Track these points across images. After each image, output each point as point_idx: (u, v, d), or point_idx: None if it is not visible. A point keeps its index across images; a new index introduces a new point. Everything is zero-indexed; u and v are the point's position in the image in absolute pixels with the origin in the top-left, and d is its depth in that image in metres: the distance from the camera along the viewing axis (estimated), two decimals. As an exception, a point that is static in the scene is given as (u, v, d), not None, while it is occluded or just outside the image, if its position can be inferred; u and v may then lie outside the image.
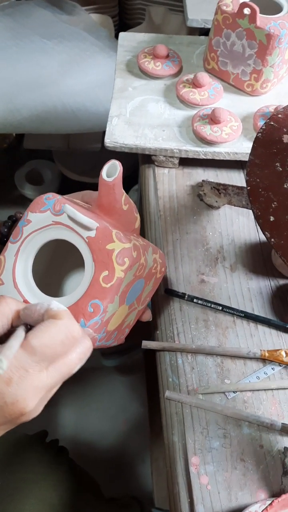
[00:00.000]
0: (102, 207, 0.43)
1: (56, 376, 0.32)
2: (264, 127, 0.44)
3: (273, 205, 0.38)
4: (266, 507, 0.39)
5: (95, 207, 0.44)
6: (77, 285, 0.40)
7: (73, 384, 1.21)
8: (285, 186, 0.39)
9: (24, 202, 1.51)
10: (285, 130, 0.43)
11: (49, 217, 0.42)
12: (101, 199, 0.42)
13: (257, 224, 0.64)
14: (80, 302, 0.38)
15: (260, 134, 0.43)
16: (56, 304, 0.34)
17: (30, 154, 1.56)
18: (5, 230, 0.53)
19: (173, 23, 1.28)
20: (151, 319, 0.51)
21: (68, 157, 1.44)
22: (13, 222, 0.55)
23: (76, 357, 0.33)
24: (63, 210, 0.40)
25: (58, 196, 0.42)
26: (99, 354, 1.16)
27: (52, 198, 0.42)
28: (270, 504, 0.39)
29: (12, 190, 1.53)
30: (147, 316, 0.50)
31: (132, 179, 1.19)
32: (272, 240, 0.37)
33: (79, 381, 1.21)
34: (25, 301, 0.40)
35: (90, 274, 0.39)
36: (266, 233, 0.37)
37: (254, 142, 0.43)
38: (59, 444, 0.67)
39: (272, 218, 0.38)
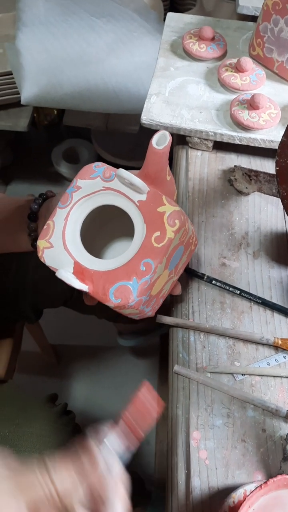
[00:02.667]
0: (148, 176, 0.44)
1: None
2: (301, 111, 0.43)
3: (300, 187, 0.38)
4: (261, 484, 0.39)
5: (141, 176, 0.45)
6: (112, 256, 0.41)
7: (88, 360, 1.24)
8: (315, 170, 0.39)
9: (58, 179, 1.54)
10: None
11: (99, 183, 0.44)
12: (148, 168, 0.43)
13: (285, 213, 0.63)
14: (133, 261, 0.40)
15: (296, 117, 0.43)
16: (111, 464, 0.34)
17: (69, 133, 1.59)
18: (35, 207, 0.54)
19: (224, 11, 1.26)
20: (180, 293, 0.52)
21: (106, 138, 1.46)
22: (43, 200, 0.56)
23: None
24: (115, 175, 0.42)
25: (106, 165, 0.44)
26: (116, 333, 1.18)
27: (101, 166, 0.45)
28: (265, 482, 0.39)
29: (48, 167, 1.56)
30: (178, 290, 0.51)
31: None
32: (296, 221, 0.37)
33: (94, 358, 1.24)
34: (76, 263, 0.42)
35: (141, 236, 0.41)
36: (290, 213, 0.37)
37: (288, 124, 0.43)
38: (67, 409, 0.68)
39: (298, 200, 0.38)
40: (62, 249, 0.42)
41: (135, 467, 1.04)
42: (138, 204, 0.42)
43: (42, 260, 0.43)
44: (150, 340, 1.14)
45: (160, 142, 0.41)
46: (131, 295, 0.40)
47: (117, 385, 1.19)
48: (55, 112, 1.50)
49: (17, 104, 1.16)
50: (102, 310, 0.90)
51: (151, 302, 0.45)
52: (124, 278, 0.40)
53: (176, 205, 0.42)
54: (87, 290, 0.40)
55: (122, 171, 0.41)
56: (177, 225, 0.41)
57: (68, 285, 0.52)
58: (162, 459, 0.95)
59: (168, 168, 0.44)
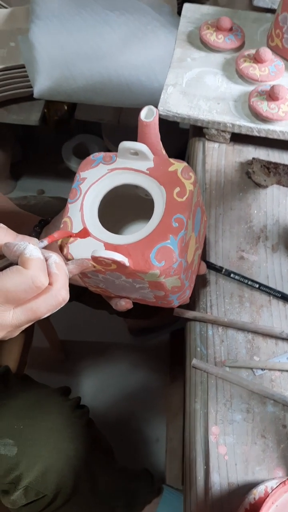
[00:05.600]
0: None
1: (22, 318, 0.33)
2: None
3: None
4: (285, 480, 0.38)
5: None
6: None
7: (97, 356, 1.23)
8: None
9: (68, 175, 1.53)
10: None
11: (103, 168, 0.44)
12: (142, 141, 0.43)
13: (305, 207, 0.62)
14: (164, 220, 0.40)
15: None
16: (30, 250, 0.33)
17: (79, 128, 1.58)
18: (33, 234, 0.53)
19: (239, 5, 1.24)
20: (206, 272, 0.52)
21: (116, 133, 1.45)
22: (42, 226, 0.55)
23: (44, 307, 0.33)
24: (116, 157, 0.43)
25: (103, 152, 0.45)
26: (126, 330, 1.17)
27: (98, 154, 0.45)
28: (289, 479, 0.38)
29: (58, 163, 1.56)
30: (204, 269, 0.51)
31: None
32: None
33: (103, 354, 1.23)
34: (106, 244, 0.41)
35: (162, 198, 0.41)
36: None
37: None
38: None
39: None
40: (88, 237, 0.41)
41: (145, 464, 1.03)
42: (148, 172, 0.42)
43: (68, 257, 0.42)
44: (160, 337, 1.13)
45: (148, 116, 0.42)
46: (173, 253, 0.39)
47: (126, 383, 1.18)
48: (65, 107, 1.50)
49: (28, 98, 1.16)
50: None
51: (188, 272, 0.45)
52: (161, 239, 0.40)
53: (184, 162, 0.43)
54: (128, 263, 0.39)
55: (125, 142, 0.42)
56: (192, 177, 0.42)
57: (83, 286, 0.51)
58: (173, 457, 0.94)
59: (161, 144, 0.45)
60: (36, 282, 0.31)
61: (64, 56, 1.01)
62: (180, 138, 1.09)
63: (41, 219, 0.55)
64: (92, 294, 0.70)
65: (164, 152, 0.44)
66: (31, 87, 1.08)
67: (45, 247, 0.37)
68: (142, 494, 0.77)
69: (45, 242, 0.38)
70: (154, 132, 0.42)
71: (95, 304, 0.86)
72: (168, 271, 0.40)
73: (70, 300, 0.81)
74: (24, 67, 1.11)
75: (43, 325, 1.04)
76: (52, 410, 0.60)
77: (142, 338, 1.12)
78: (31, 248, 0.33)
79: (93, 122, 1.41)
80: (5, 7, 1.19)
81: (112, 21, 1.06)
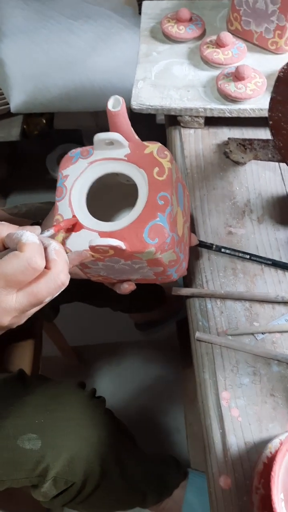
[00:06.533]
0: None
1: (24, 302, 0.34)
2: (285, 67, 0.44)
3: (295, 137, 0.39)
4: (295, 428, 0.40)
5: None
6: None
7: (109, 357, 1.25)
8: (307, 119, 0.40)
9: (56, 185, 1.56)
10: (307, 68, 0.44)
11: (83, 162, 0.46)
12: (114, 131, 0.45)
13: (283, 176, 0.65)
14: (149, 201, 0.42)
15: (282, 73, 0.44)
16: (26, 236, 0.35)
17: (60, 139, 1.61)
18: None
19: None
20: (198, 243, 0.55)
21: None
22: None
23: (45, 290, 0.35)
24: (93, 150, 0.45)
25: (80, 148, 0.47)
26: (132, 326, 1.19)
27: (75, 150, 0.47)
28: (299, 425, 0.40)
29: (45, 174, 1.58)
30: (194, 240, 0.54)
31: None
32: (294, 168, 0.38)
33: (114, 354, 1.25)
34: (100, 233, 0.43)
35: (144, 180, 0.43)
36: (288, 161, 0.38)
37: (276, 81, 0.44)
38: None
39: (294, 149, 0.39)
40: (82, 230, 0.44)
41: (169, 452, 1.05)
42: (126, 158, 0.44)
43: (67, 251, 0.44)
44: (167, 329, 1.15)
45: (115, 106, 0.44)
46: (164, 229, 0.42)
47: (141, 378, 1.20)
48: (44, 121, 1.53)
49: (7, 114, 1.18)
50: (117, 301, 0.91)
51: (181, 245, 0.47)
52: (150, 219, 0.42)
53: (158, 143, 0.45)
54: (124, 247, 0.41)
55: (99, 134, 0.44)
56: (168, 155, 0.44)
57: (82, 279, 0.53)
58: (194, 441, 0.96)
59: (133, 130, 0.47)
60: (31, 263, 0.33)
61: (35, 69, 1.04)
62: (159, 133, 1.12)
63: (33, 222, 0.57)
64: (93, 292, 0.72)
65: (137, 137, 0.46)
66: (8, 103, 1.11)
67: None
68: (170, 478, 0.79)
69: (52, 230, 0.40)
70: (124, 120, 0.44)
71: (98, 302, 0.88)
72: (163, 247, 0.42)
73: (72, 301, 0.83)
74: (-2, 86, 1.14)
75: (52, 334, 1.06)
76: (70, 401, 0.62)
77: (149, 331, 1.14)
78: (27, 234, 0.35)
79: (73, 131, 1.44)
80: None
81: (76, 29, 1.09)
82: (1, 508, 0.75)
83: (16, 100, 1.04)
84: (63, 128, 1.35)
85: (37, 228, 0.37)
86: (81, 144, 1.55)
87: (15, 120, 1.21)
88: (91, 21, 1.11)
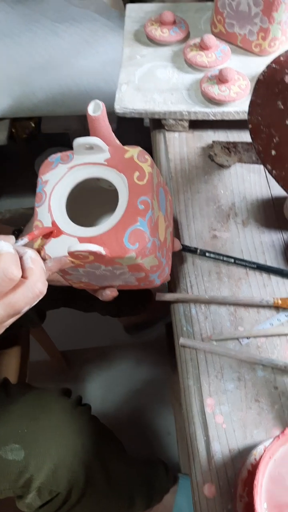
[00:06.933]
0: None
1: (1, 312, 0.34)
2: (266, 70, 0.44)
3: (274, 140, 0.39)
4: (278, 435, 0.39)
5: None
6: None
7: (99, 361, 1.24)
8: (287, 122, 0.40)
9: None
10: (287, 71, 0.44)
11: (63, 168, 0.45)
12: (95, 135, 0.45)
13: (268, 178, 0.64)
14: (129, 206, 0.42)
15: (262, 76, 0.44)
16: (1, 246, 0.35)
17: (49, 142, 1.60)
18: None
19: (185, 0, 1.28)
20: (181, 248, 0.54)
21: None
22: (17, 236, 0.57)
23: (22, 300, 0.34)
24: (73, 155, 0.44)
25: (59, 153, 0.46)
26: (122, 330, 1.18)
27: (55, 156, 0.47)
28: (282, 432, 0.40)
29: (34, 178, 1.56)
30: (178, 245, 0.53)
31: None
32: (274, 172, 0.38)
33: (104, 358, 1.24)
34: (80, 238, 0.42)
35: (124, 184, 0.43)
36: (268, 165, 0.38)
37: (256, 84, 0.44)
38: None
39: (273, 152, 0.39)
40: (61, 235, 0.43)
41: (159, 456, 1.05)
42: (106, 163, 0.44)
43: (46, 257, 0.43)
44: (156, 331, 1.14)
45: (96, 110, 0.44)
46: (144, 234, 0.41)
47: (131, 381, 1.20)
48: (33, 124, 1.52)
49: (-7, 119, 1.17)
50: (104, 306, 0.90)
51: (163, 250, 0.46)
52: (130, 223, 0.41)
53: (138, 147, 0.45)
54: (104, 252, 0.41)
55: (78, 139, 0.44)
56: (148, 160, 0.44)
57: (67, 285, 0.52)
58: (184, 445, 0.95)
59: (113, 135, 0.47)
60: (7, 274, 0.32)
61: (21, 73, 1.03)
62: (147, 136, 1.11)
63: (14, 229, 0.57)
64: (80, 297, 0.72)
65: (117, 141, 0.46)
66: (-7, 107, 1.10)
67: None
68: (158, 482, 0.78)
69: (25, 239, 0.39)
70: (105, 125, 0.44)
71: (85, 307, 0.88)
72: (143, 252, 0.42)
73: (58, 306, 0.82)
74: (-17, 89, 1.13)
75: (40, 338, 1.05)
76: (54, 409, 0.61)
77: (138, 334, 1.13)
78: (2, 244, 0.34)
79: (61, 134, 1.43)
80: None
81: (62, 32, 1.08)
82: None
83: (1, 104, 1.04)
84: (50, 132, 1.34)
85: (11, 238, 0.37)
86: (70, 147, 1.55)
87: (2, 124, 1.20)
88: (77, 24, 1.11)
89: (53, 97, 1.07)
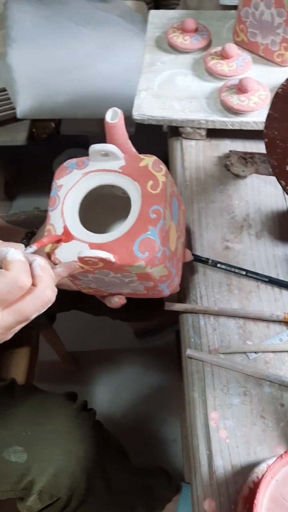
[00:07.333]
0: None
1: (10, 320, 0.34)
2: (285, 83, 0.44)
3: (290, 156, 0.38)
4: (281, 454, 0.39)
5: None
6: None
7: (108, 364, 1.24)
8: (304, 138, 0.39)
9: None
10: (306, 85, 0.43)
11: (77, 173, 0.46)
12: (112, 143, 0.45)
13: (284, 192, 0.63)
14: (141, 214, 0.42)
15: (280, 89, 0.43)
16: (11, 254, 0.35)
17: (68, 143, 1.61)
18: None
19: (208, 7, 1.27)
20: (192, 259, 0.54)
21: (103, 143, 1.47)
22: (29, 238, 0.57)
23: (31, 307, 0.34)
24: (88, 161, 0.45)
25: (75, 158, 0.47)
26: (132, 334, 1.18)
27: (71, 161, 0.47)
28: (286, 452, 0.39)
29: (51, 178, 1.57)
30: (189, 256, 0.53)
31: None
32: (288, 188, 0.37)
33: (113, 361, 1.24)
34: (90, 244, 0.42)
35: (137, 193, 0.43)
36: (282, 181, 0.38)
37: (273, 97, 0.43)
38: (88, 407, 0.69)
39: (289, 168, 0.38)
40: (72, 240, 0.43)
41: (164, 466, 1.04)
42: (121, 170, 0.44)
43: (56, 262, 0.44)
44: (166, 337, 1.14)
45: (113, 118, 0.44)
46: (155, 243, 0.41)
47: (139, 386, 1.19)
48: (53, 124, 1.53)
49: (14, 119, 1.19)
50: (114, 310, 0.90)
51: (173, 260, 0.46)
52: (141, 232, 0.41)
53: (154, 156, 0.45)
54: (113, 259, 0.41)
55: (94, 146, 0.44)
56: (163, 169, 0.44)
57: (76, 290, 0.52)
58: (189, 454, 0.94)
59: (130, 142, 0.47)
60: (18, 282, 0.32)
61: (43, 74, 1.04)
62: (165, 142, 1.11)
63: (28, 232, 0.57)
64: (90, 301, 0.71)
65: (134, 149, 0.46)
66: (15, 108, 1.11)
67: (35, 253, 0.39)
68: (160, 492, 0.77)
69: (34, 247, 0.40)
70: (122, 132, 0.44)
71: (95, 311, 0.88)
72: (153, 261, 0.42)
73: (68, 309, 0.82)
74: (5, 90, 1.14)
75: (50, 338, 1.06)
76: (58, 414, 0.61)
77: (148, 339, 1.13)
78: (12, 251, 0.35)
79: (80, 135, 1.44)
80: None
81: (83, 35, 1.09)
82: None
83: (23, 106, 1.05)
84: (69, 134, 1.35)
85: (21, 246, 0.37)
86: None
87: (22, 125, 1.22)
88: (100, 28, 1.11)
89: (74, 100, 1.08)
